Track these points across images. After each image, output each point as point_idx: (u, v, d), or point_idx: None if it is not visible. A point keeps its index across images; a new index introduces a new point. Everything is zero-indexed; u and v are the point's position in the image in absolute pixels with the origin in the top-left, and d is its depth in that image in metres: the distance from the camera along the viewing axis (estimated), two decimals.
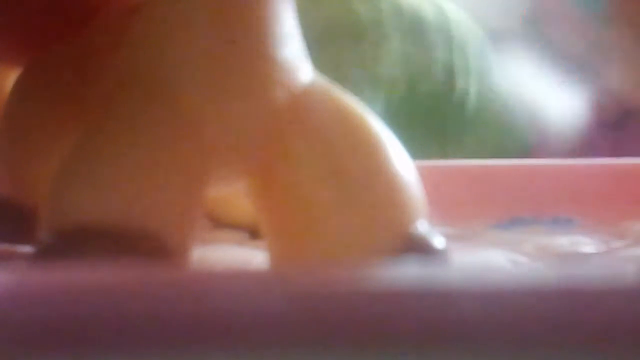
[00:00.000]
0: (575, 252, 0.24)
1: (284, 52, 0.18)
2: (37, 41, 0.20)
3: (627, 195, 0.29)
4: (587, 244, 0.25)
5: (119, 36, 0.19)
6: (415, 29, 0.50)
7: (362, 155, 0.19)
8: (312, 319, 0.11)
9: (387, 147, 0.19)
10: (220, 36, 0.18)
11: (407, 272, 0.12)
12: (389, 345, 0.11)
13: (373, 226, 0.19)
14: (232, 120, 0.18)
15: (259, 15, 0.18)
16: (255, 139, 0.18)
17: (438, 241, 0.19)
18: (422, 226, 0.19)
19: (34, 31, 0.20)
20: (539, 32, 0.60)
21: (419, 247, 0.19)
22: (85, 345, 0.11)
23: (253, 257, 0.22)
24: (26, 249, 0.20)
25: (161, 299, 0.11)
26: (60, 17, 0.20)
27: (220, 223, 0.24)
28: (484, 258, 0.21)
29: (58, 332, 0.11)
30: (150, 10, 0.19)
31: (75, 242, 0.17)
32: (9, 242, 0.21)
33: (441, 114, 0.50)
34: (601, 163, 0.31)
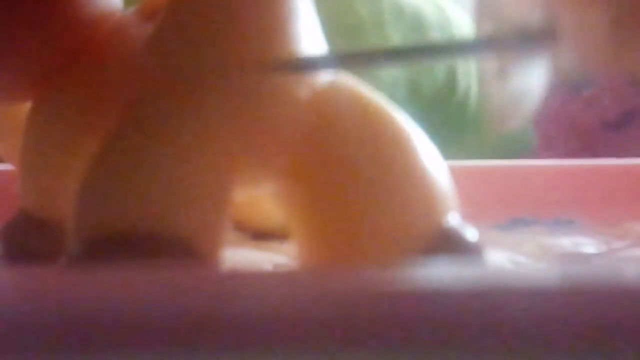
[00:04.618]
0: (577, 253, 0.24)
1: (303, 50, 0.18)
2: (40, 76, 0.20)
3: (627, 195, 0.29)
4: (588, 245, 0.25)
5: (131, 53, 0.19)
6: (417, 29, 0.50)
7: (389, 152, 0.19)
8: (346, 320, 0.11)
9: (414, 141, 0.19)
10: (240, 42, 0.18)
11: (439, 273, 0.12)
12: (420, 345, 0.11)
13: (405, 223, 0.18)
14: (256, 124, 0.18)
15: (276, 15, 0.18)
16: (279, 140, 0.18)
17: (470, 234, 0.19)
18: (454, 219, 0.19)
19: (35, 67, 0.20)
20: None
21: (452, 241, 0.19)
22: (110, 345, 0.11)
23: (261, 257, 0.22)
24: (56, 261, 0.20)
25: (193, 301, 0.11)
26: (57, 50, 0.20)
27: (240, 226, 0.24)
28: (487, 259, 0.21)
29: (92, 334, 0.11)
30: (169, 23, 0.19)
31: (107, 250, 0.17)
32: (36, 257, 0.21)
33: (442, 114, 0.50)
34: (602, 163, 0.31)
